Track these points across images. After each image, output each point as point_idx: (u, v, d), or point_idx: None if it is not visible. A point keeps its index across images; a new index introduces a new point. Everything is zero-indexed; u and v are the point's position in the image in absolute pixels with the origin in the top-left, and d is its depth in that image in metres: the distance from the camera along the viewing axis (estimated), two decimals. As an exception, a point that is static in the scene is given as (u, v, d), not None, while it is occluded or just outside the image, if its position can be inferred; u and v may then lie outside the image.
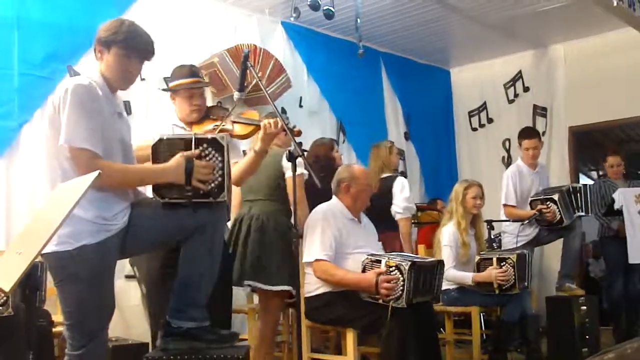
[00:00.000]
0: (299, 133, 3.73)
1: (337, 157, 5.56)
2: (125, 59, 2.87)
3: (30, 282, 3.80)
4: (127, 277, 4.83)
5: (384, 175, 5.77)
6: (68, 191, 1.75)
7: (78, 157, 2.67)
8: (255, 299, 4.88)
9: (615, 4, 5.56)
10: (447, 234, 5.23)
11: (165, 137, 2.97)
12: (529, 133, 6.27)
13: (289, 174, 4.47)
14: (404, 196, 5.61)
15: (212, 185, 2.92)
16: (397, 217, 5.59)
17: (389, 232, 5.43)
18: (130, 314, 5.03)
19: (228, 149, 2.99)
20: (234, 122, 3.70)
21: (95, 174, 1.72)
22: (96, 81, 2.82)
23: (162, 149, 2.92)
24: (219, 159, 2.95)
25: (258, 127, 3.62)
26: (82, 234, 2.63)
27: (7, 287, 1.66)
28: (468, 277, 5.08)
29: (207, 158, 2.92)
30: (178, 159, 2.85)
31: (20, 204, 4.81)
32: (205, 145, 2.93)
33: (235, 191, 5.06)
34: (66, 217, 1.60)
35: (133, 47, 2.88)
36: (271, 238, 4.33)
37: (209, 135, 3.02)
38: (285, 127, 3.56)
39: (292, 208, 4.49)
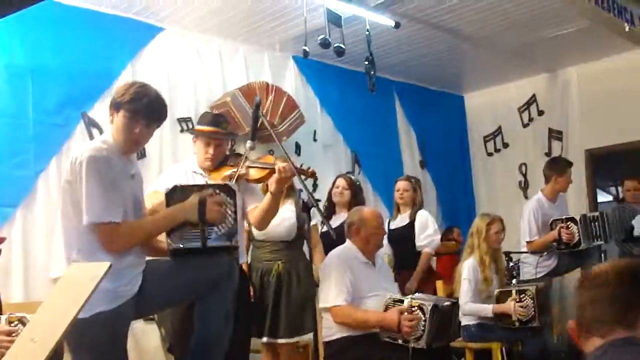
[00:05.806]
0: (313, 174, 3.75)
1: None
2: (132, 121, 2.83)
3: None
4: (146, 319, 4.84)
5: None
6: (81, 277, 1.76)
7: (101, 230, 2.70)
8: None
9: (627, 29, 5.51)
10: (468, 268, 5.13)
11: (179, 185, 3.07)
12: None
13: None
14: (433, 228, 5.73)
15: (227, 228, 2.96)
16: (425, 250, 5.66)
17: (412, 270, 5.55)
18: (149, 356, 5.02)
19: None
20: (250, 167, 3.73)
21: (106, 264, 1.73)
22: (110, 144, 2.84)
23: (175, 197, 2.99)
24: (231, 202, 3.02)
25: (273, 170, 3.64)
26: (97, 302, 2.59)
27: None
28: (488, 308, 5.01)
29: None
30: (191, 198, 2.91)
31: (37, 253, 4.80)
32: (217, 191, 3.01)
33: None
34: (80, 309, 1.61)
35: (139, 109, 2.82)
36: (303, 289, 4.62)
37: (221, 182, 3.12)
38: (298, 169, 3.60)
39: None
